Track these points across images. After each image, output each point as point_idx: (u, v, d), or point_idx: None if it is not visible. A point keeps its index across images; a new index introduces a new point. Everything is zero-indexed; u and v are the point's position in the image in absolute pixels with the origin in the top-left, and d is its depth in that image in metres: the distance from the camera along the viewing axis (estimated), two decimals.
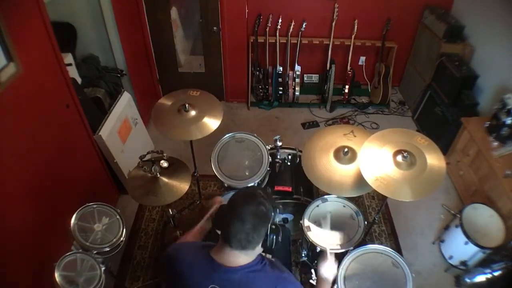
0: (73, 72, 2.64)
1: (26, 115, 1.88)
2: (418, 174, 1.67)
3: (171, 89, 2.29)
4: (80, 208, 1.89)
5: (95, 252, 1.81)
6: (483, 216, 2.38)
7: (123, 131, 2.89)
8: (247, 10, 3.53)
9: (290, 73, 3.96)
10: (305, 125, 3.85)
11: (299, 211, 2.28)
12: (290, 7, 3.70)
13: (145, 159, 2.01)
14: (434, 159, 1.72)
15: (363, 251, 1.79)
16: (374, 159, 1.74)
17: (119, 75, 3.19)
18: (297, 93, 4.02)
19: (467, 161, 2.90)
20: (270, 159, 2.23)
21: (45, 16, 1.97)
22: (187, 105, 2.05)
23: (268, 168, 2.22)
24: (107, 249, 1.86)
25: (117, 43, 3.05)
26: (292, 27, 3.72)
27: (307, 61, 4.06)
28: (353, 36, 3.77)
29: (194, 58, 4.03)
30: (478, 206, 2.43)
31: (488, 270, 2.09)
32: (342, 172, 1.87)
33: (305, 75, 4.23)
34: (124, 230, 1.95)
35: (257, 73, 3.93)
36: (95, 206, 1.93)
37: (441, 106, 3.33)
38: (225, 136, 2.33)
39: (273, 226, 1.24)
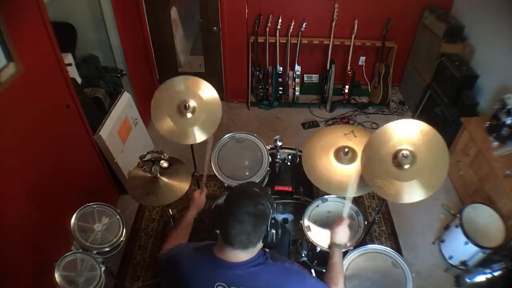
0: (73, 72, 2.64)
1: (26, 115, 1.88)
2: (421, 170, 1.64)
3: None
4: (80, 208, 1.89)
5: (95, 252, 1.81)
6: (483, 216, 2.38)
7: (123, 131, 2.89)
8: (247, 10, 3.53)
9: (290, 73, 3.96)
10: (305, 125, 3.85)
11: (299, 211, 2.28)
12: (290, 7, 3.70)
13: (145, 159, 2.01)
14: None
15: (363, 251, 1.79)
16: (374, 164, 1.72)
17: (119, 75, 3.19)
18: (297, 93, 4.02)
19: (467, 161, 2.90)
20: (270, 159, 2.23)
21: (45, 16, 1.97)
22: (187, 104, 2.03)
23: (268, 168, 2.22)
24: (107, 249, 1.86)
25: (117, 43, 3.05)
26: (292, 27, 3.72)
27: (307, 61, 4.06)
28: (353, 36, 3.77)
29: (194, 58, 4.04)
30: (478, 206, 2.42)
31: (488, 270, 2.08)
32: (342, 172, 1.87)
33: (305, 75, 4.23)
34: (124, 230, 1.94)
35: (257, 73, 3.93)
36: (95, 206, 1.93)
37: (441, 106, 3.32)
38: (225, 136, 2.33)
39: (273, 221, 1.24)
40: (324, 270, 2.06)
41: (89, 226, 1.88)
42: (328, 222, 2.04)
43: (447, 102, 3.26)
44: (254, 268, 1.20)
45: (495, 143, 2.66)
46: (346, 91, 4.02)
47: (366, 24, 3.76)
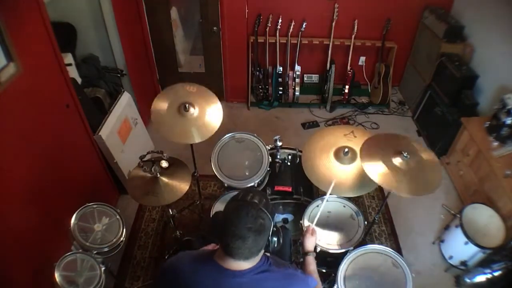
0: (73, 72, 2.64)
1: (26, 115, 1.88)
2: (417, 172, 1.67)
3: None
4: (80, 208, 1.90)
5: (95, 252, 1.81)
6: (483, 216, 2.38)
7: (123, 131, 2.89)
8: (247, 10, 3.53)
9: (290, 73, 3.96)
10: (305, 125, 3.85)
11: (299, 211, 2.28)
12: (290, 7, 3.70)
13: (145, 159, 2.01)
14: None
15: (363, 251, 1.79)
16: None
17: (119, 75, 3.19)
18: (297, 93, 4.02)
19: (467, 161, 2.90)
20: (270, 159, 2.23)
21: (45, 16, 1.97)
22: (187, 105, 2.04)
23: (268, 168, 2.22)
24: (107, 249, 1.87)
25: (117, 43, 3.05)
26: (292, 27, 3.72)
27: (307, 61, 4.06)
28: (353, 36, 3.77)
29: (194, 58, 4.03)
30: (478, 206, 2.43)
31: (488, 270, 2.09)
32: (342, 172, 1.87)
33: (305, 75, 4.22)
34: (124, 230, 1.95)
35: (257, 73, 3.93)
36: (95, 206, 1.93)
37: (441, 106, 3.33)
38: (225, 136, 2.34)
39: (274, 229, 1.22)
40: (324, 270, 2.07)
41: (89, 226, 1.88)
42: (328, 222, 2.04)
43: (447, 102, 3.26)
44: (258, 275, 1.19)
45: (495, 143, 2.67)
46: (346, 91, 4.02)
47: (366, 24, 3.76)
